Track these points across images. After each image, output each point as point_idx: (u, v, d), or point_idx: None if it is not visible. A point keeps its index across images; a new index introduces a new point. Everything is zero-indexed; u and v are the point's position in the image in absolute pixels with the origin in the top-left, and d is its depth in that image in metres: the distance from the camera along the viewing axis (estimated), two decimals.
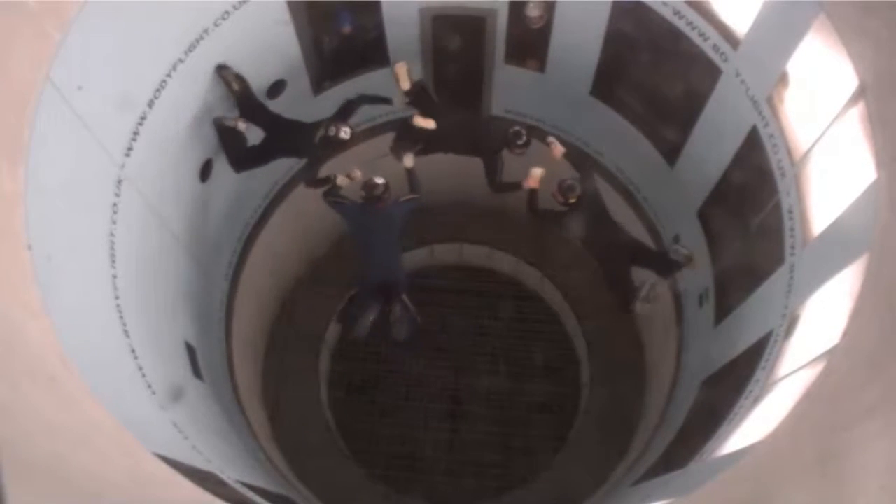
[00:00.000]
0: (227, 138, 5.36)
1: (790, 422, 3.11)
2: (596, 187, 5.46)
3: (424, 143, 5.69)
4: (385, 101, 5.76)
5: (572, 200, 5.21)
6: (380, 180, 5.09)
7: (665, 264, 5.48)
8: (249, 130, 5.31)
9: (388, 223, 5.26)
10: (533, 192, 5.44)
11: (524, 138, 5.41)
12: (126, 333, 3.78)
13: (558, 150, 5.41)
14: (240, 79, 5.08)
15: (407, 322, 5.62)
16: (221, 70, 4.94)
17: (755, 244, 4.83)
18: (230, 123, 5.23)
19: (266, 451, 5.88)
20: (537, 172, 5.40)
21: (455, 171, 5.91)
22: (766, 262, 4.51)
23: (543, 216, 5.55)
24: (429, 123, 5.58)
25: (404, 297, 5.58)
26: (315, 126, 5.23)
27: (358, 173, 5.46)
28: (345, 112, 5.39)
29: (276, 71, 5.36)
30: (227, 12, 4.48)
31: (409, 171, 5.42)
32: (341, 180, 5.43)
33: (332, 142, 5.18)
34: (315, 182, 5.56)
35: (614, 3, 4.98)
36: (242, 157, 5.56)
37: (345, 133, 5.14)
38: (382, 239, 5.29)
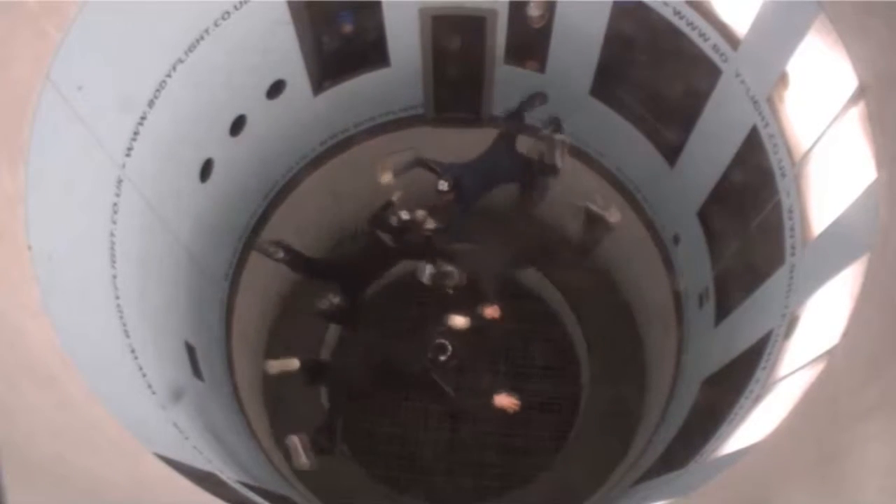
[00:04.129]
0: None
1: (790, 422, 3.10)
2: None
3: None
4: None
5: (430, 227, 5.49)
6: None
7: None
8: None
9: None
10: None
11: (448, 353, 5.41)
12: (126, 333, 3.78)
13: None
14: (279, 246, 5.42)
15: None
16: (261, 246, 5.39)
17: (755, 244, 4.83)
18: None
19: (266, 451, 5.88)
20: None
21: None
22: (766, 263, 4.51)
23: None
24: None
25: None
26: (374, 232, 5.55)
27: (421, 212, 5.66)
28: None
29: (276, 71, 5.35)
30: (227, 12, 4.47)
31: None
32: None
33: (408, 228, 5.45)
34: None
35: (615, 3, 4.97)
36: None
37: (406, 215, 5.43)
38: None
